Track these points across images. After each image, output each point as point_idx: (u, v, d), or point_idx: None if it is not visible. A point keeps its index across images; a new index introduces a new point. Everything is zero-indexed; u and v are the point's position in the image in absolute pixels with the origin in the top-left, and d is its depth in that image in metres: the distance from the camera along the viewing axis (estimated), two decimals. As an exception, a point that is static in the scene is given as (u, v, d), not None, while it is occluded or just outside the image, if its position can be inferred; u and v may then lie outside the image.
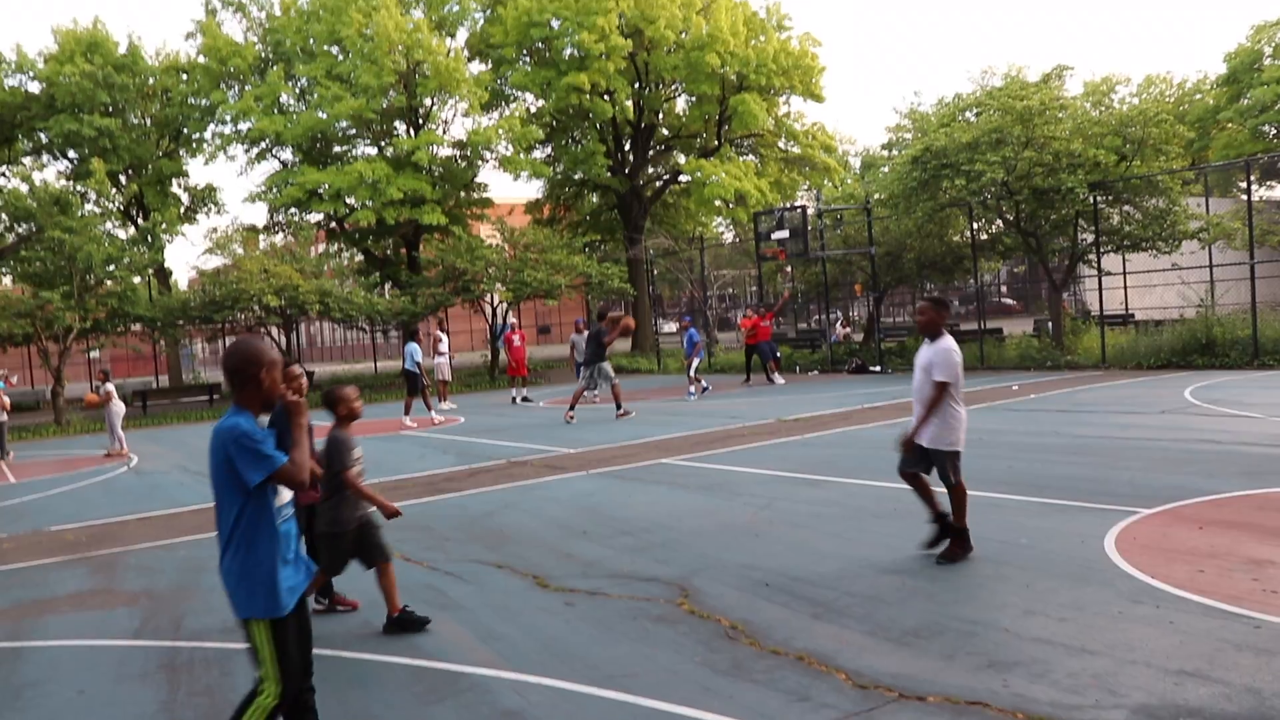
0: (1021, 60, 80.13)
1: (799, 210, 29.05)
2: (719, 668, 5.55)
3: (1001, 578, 6.86)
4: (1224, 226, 25.27)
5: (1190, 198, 27.62)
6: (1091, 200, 23.88)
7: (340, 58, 35.15)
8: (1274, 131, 50.59)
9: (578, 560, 8.23)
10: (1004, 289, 59.74)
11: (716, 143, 40.44)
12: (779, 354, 28.00)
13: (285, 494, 4.15)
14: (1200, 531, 7.70)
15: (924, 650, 5.59)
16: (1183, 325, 23.68)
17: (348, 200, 34.16)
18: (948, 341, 7.48)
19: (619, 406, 19.44)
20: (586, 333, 22.23)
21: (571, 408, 19.87)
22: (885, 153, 39.02)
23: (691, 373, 24.28)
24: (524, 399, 25.46)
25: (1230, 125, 50.09)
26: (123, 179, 37.95)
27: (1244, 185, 26.53)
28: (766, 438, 15.06)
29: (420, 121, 36.14)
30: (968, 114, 26.84)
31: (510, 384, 26.72)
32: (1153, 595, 6.24)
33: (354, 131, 35.82)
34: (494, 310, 34.78)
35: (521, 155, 36.58)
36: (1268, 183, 55.83)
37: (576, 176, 40.33)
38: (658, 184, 42.60)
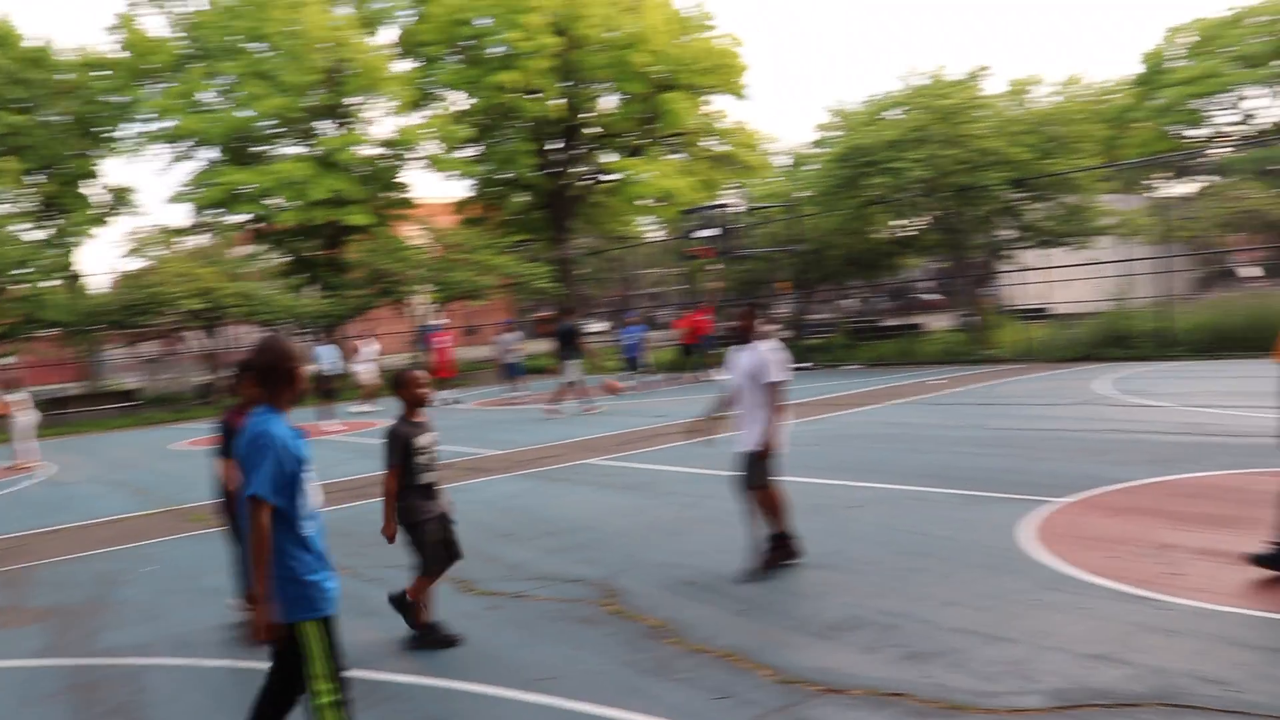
0: (946, 60, 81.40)
1: (725, 208, 29.21)
2: (644, 667, 5.56)
3: (922, 570, 6.96)
4: (1135, 222, 25.92)
5: (1105, 194, 28.24)
6: (1011, 197, 24.32)
7: (263, 54, 34.55)
8: (1183, 129, 51.92)
9: (502, 563, 8.19)
10: (927, 284, 60.52)
11: (644, 141, 40.47)
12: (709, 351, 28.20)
13: (317, 496, 4.11)
14: (1113, 519, 7.88)
15: (847, 643, 5.65)
16: (1098, 318, 24.23)
17: (272, 200, 33.59)
18: (768, 344, 7.44)
19: (556, 405, 19.65)
20: (518, 333, 22.32)
21: (557, 404, 20.14)
22: (816, 150, 39.34)
23: (621, 381, 24.24)
24: (450, 402, 25.28)
25: (1143, 124, 51.28)
26: (39, 177, 36.91)
27: (1155, 182, 27.21)
28: (684, 436, 15.07)
29: (346, 120, 35.70)
30: (892, 112, 27.20)
31: (438, 387, 26.50)
32: (1067, 582, 6.38)
33: (278, 130, 35.23)
34: (425, 311, 34.50)
35: (450, 154, 36.31)
36: (1177, 179, 57.22)
37: (504, 176, 40.09)
38: (585, 183, 42.53)
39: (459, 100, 38.62)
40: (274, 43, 33.71)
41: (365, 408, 24.68)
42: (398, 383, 6.32)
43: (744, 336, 7.46)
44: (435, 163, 36.10)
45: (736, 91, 39.90)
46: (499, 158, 38.35)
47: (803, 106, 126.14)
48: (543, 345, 41.85)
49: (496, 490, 11.79)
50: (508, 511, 10.40)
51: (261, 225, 35.73)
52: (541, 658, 5.86)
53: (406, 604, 6.32)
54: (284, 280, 35.22)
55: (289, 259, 36.94)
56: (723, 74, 38.73)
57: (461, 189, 40.64)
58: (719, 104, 41.22)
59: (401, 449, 6.13)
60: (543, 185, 39.70)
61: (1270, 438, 10.76)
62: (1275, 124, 51.29)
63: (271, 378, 4.04)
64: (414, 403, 6.25)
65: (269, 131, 35.18)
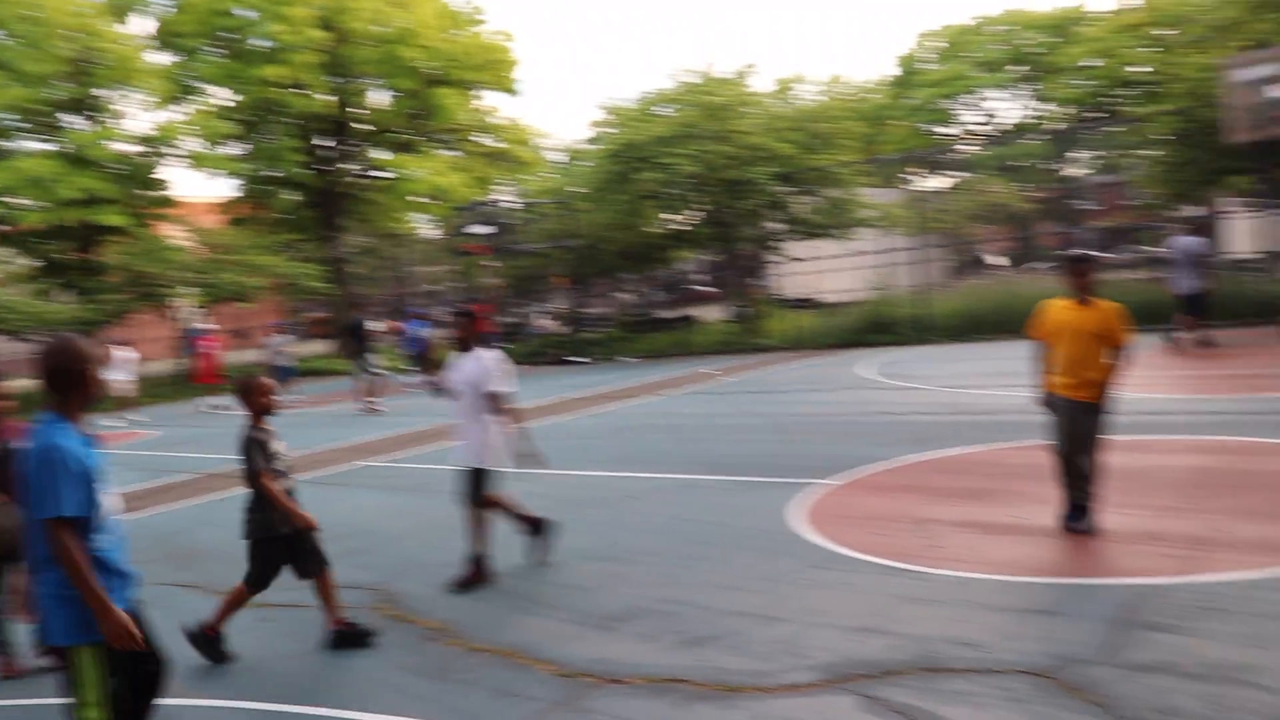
0: (715, 58, 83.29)
1: (498, 204, 29.06)
2: (423, 671, 5.46)
3: (699, 556, 7.09)
4: (893, 214, 27.26)
5: (865, 188, 29.56)
6: (777, 191, 25.14)
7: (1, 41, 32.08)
8: (934, 128, 55.00)
9: (275, 572, 7.88)
10: (700, 276, 61.95)
11: (416, 137, 39.77)
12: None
13: (113, 507, 3.80)
14: (876, 497, 8.25)
15: (626, 634, 5.69)
16: (861, 306, 25.37)
17: (16, 200, 31.23)
18: (490, 351, 7.22)
19: (362, 401, 19.73)
20: (288, 335, 21.67)
21: (370, 399, 19.79)
22: (590, 146, 39.60)
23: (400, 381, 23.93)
24: (219, 408, 24.17)
25: (898, 121, 54.00)
26: None
27: (910, 176, 28.71)
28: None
29: (97, 114, 33.58)
30: (664, 108, 27.63)
31: (203, 392, 25.29)
32: (836, 560, 6.63)
33: (19, 124, 32.79)
34: (189, 315, 32.88)
35: (213, 151, 34.67)
36: (930, 174, 60.51)
37: (272, 173, 38.61)
38: (356, 180, 41.45)
39: (222, 95, 36.96)
40: (10, 29, 31.36)
41: (122, 419, 23.28)
42: (245, 390, 6.11)
43: (465, 344, 7.22)
44: (197, 160, 34.37)
45: (508, 88, 39.72)
46: (266, 155, 36.89)
47: (576, 103, 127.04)
48: (316, 347, 40.67)
49: (268, 498, 11.33)
50: (281, 520, 10.01)
51: (4, 227, 33.26)
52: (317, 668, 5.68)
53: (206, 638, 6.08)
54: (31, 285, 32.87)
55: (38, 263, 34.54)
56: (494, 70, 38.47)
57: (227, 187, 38.92)
58: (491, 100, 40.87)
59: (261, 451, 5.96)
60: (313, 183, 38.44)
61: (1019, 414, 11.52)
62: (1014, 125, 54.98)
63: (61, 383, 3.77)
64: (261, 410, 6.05)
65: (9, 125, 32.75)
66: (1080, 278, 6.63)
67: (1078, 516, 6.69)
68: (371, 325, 22.50)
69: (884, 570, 6.28)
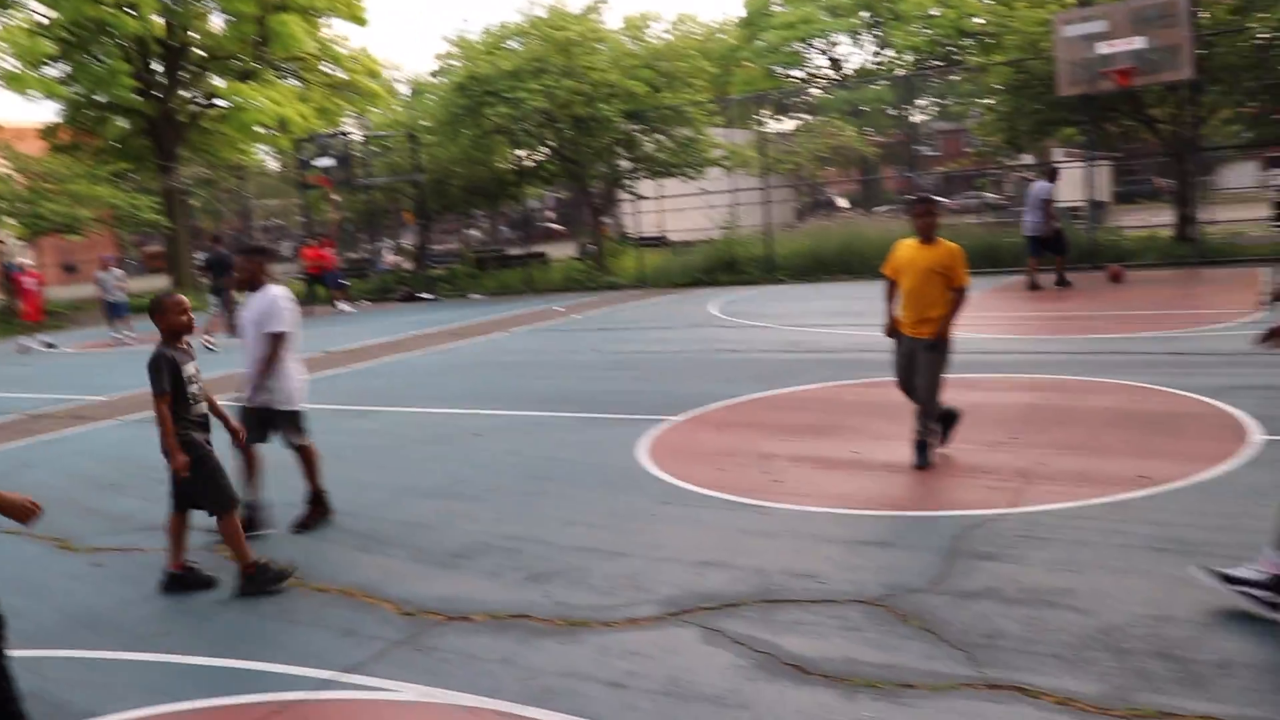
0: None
1: (343, 137, 28.21)
2: (264, 612, 5.32)
3: (543, 493, 7.08)
4: (742, 155, 27.51)
5: (714, 128, 29.70)
6: (627, 128, 25.06)
7: None
8: (783, 70, 55.56)
9: (106, 516, 7.56)
10: (550, 214, 61.57)
11: (256, 65, 38.12)
12: (345, 283, 27.48)
13: None
14: (720, 433, 8.36)
15: (469, 571, 5.65)
16: (709, 245, 25.60)
17: None
18: (274, 290, 6.78)
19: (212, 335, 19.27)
20: (120, 270, 20.87)
21: (210, 334, 19.19)
22: (435, 80, 38.73)
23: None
24: (46, 345, 23.00)
25: (748, 64, 54.35)
26: None
27: (760, 118, 28.97)
28: (312, 371, 14.54)
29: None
30: (512, 42, 27.15)
31: (24, 330, 23.92)
32: (680, 495, 6.70)
33: None
34: (8, 248, 31.05)
35: (30, 72, 32.52)
36: (779, 116, 61.22)
37: (99, 98, 36.50)
38: (193, 108, 39.58)
39: (40, 11, 34.68)
40: None
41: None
42: (155, 309, 5.76)
43: (252, 283, 6.82)
44: (12, 81, 32.24)
45: (358, 17, 38.40)
46: (92, 78, 34.83)
47: (428, 35, 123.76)
48: (153, 282, 39.02)
49: (100, 439, 10.85)
50: (113, 461, 9.62)
51: None
52: (153, 613, 5.48)
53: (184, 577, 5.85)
54: None
55: None
56: (342, -3, 37.13)
57: (49, 112, 36.69)
58: (339, 29, 39.52)
59: (170, 374, 5.63)
60: (146, 110, 36.55)
61: (858, 352, 11.83)
62: (859, 70, 55.95)
63: None
64: (175, 330, 5.74)
65: None
66: (922, 218, 6.89)
67: (920, 452, 6.95)
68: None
69: (726, 505, 6.38)
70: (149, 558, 6.37)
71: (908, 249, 7.03)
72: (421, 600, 5.27)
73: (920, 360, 6.90)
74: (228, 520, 5.73)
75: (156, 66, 37.20)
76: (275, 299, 6.70)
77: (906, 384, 7.05)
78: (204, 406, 5.89)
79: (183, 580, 5.82)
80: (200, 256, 25.10)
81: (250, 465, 6.84)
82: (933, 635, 4.33)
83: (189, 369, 5.76)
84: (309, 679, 4.45)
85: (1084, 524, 5.53)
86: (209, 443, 5.85)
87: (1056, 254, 17.25)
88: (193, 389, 5.77)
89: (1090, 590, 4.65)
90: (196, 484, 5.72)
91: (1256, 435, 6.98)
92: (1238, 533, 5.20)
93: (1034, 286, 17.08)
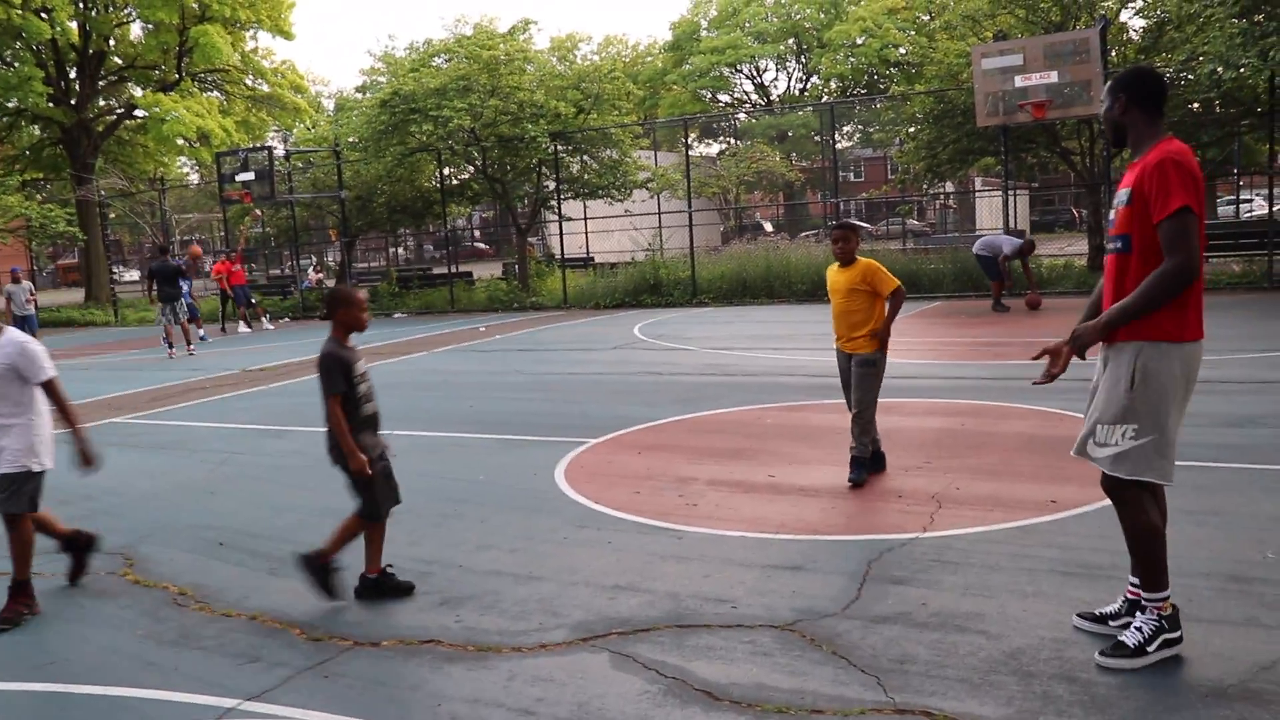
0: (494, 11, 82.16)
1: (265, 151, 27.81)
2: (164, 639, 5.16)
3: (459, 515, 7.00)
4: (668, 178, 27.65)
5: (640, 150, 29.84)
6: (553, 149, 25.06)
7: None
8: (710, 94, 56.07)
9: (3, 538, 7.29)
10: (476, 233, 61.34)
11: (177, 76, 37.48)
12: (254, 300, 27.03)
13: None
14: (639, 456, 8.34)
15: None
16: (634, 267, 25.66)
17: None
18: (13, 334, 5.66)
19: (189, 342, 19.91)
20: (25, 283, 20.46)
21: (170, 345, 19.56)
22: (359, 95, 38.42)
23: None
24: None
25: (675, 87, 54.75)
26: None
27: (685, 141, 29.14)
28: (230, 389, 14.34)
29: None
30: (438, 60, 27.05)
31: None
32: (595, 519, 6.66)
33: None
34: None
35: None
36: (705, 140, 61.71)
37: (10, 105, 35.61)
38: (111, 118, 38.78)
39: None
40: None
41: None
42: (335, 301, 5.45)
43: None
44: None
45: (284, 30, 37.97)
46: (1, 83, 34.00)
47: (356, 50, 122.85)
48: (65, 296, 38.05)
49: None
50: (10, 479, 9.30)
51: None
52: (47, 641, 5.28)
53: (325, 568, 5.53)
54: None
55: None
56: (267, 9, 36.66)
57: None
58: (265, 43, 39.04)
59: (343, 374, 5.34)
60: (59, 118, 35.73)
61: (779, 376, 11.90)
62: (781, 96, 56.66)
63: None
64: (350, 326, 5.43)
65: None
66: (837, 244, 7.13)
67: (855, 468, 7.10)
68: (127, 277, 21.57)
69: (642, 529, 6.35)
70: (48, 583, 6.16)
71: (832, 273, 7.29)
72: (330, 625, 5.16)
73: (855, 374, 7.12)
74: (355, 521, 5.58)
75: (71, 74, 36.40)
76: (22, 343, 5.63)
77: (849, 397, 7.26)
78: (374, 406, 5.63)
79: (378, 586, 5.57)
80: (142, 269, 24.81)
81: (25, 541, 5.78)
82: (843, 660, 4.33)
83: (359, 367, 5.50)
84: (209, 707, 4.32)
85: (994, 548, 5.59)
86: (378, 445, 5.63)
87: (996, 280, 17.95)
88: (362, 388, 5.50)
89: (998, 614, 4.70)
90: (358, 485, 5.53)
91: (1161, 461, 7.12)
92: (1141, 557, 5.30)
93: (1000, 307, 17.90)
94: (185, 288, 23.93)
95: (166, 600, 5.73)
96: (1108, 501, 6.23)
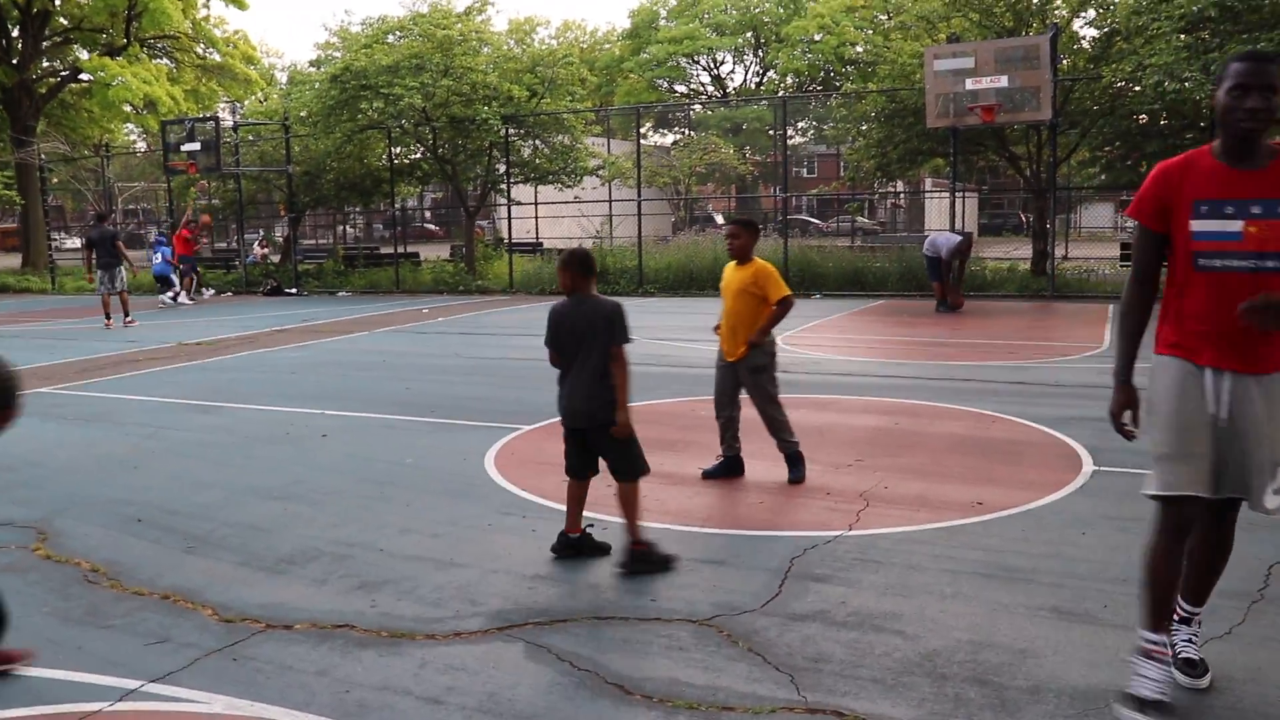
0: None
1: (212, 122, 27.32)
2: (71, 616, 5.02)
3: (384, 498, 6.90)
4: (619, 166, 27.57)
5: (593, 137, 29.72)
6: (504, 132, 24.87)
7: None
8: (666, 84, 55.98)
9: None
10: (426, 214, 60.85)
11: (125, 41, 36.68)
12: (197, 271, 26.55)
13: None
14: (571, 445, 8.27)
15: (296, 577, 5.45)
16: (582, 255, 25.53)
17: None
18: None
19: (126, 314, 19.25)
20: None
21: (108, 315, 19.08)
22: (313, 70, 37.93)
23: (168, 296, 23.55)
24: None
25: (632, 75, 54.61)
26: None
27: (638, 130, 29.07)
28: (164, 363, 14.07)
29: None
30: (392, 37, 26.72)
31: None
32: (521, 506, 6.60)
33: None
34: None
35: None
36: (659, 130, 61.65)
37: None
38: (54, 80, 37.91)
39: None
40: None
41: None
42: (582, 260, 5.54)
43: None
44: None
45: (238, -1, 37.31)
46: (-63, 41, 33.13)
47: (312, 23, 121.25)
48: (1, 261, 37.26)
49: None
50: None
51: None
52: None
53: (647, 553, 5.40)
54: None
55: None
56: (221, -24, 36.01)
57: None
58: (218, 11, 38.37)
59: (553, 331, 5.57)
60: (0, 78, 34.87)
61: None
62: (738, 88, 56.73)
63: None
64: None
65: None
66: (730, 240, 6.99)
67: (716, 467, 7.13)
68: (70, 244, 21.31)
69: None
70: (-48, 554, 5.99)
71: (727, 271, 7.11)
72: (243, 607, 5.05)
73: (749, 383, 6.94)
74: (632, 488, 5.46)
75: (15, 32, 35.54)
76: None
77: (719, 402, 7.11)
78: None
79: (642, 558, 5.41)
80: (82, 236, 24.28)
81: None
82: (758, 657, 4.31)
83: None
84: (110, 689, 4.20)
85: (917, 548, 5.60)
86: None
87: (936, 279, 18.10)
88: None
89: (917, 615, 4.70)
90: (616, 445, 5.46)
91: (1088, 466, 7.20)
92: (1060, 560, 5.35)
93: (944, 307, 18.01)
94: (161, 257, 23.71)
95: (77, 577, 5.58)
96: (1034, 505, 6.32)
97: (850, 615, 4.72)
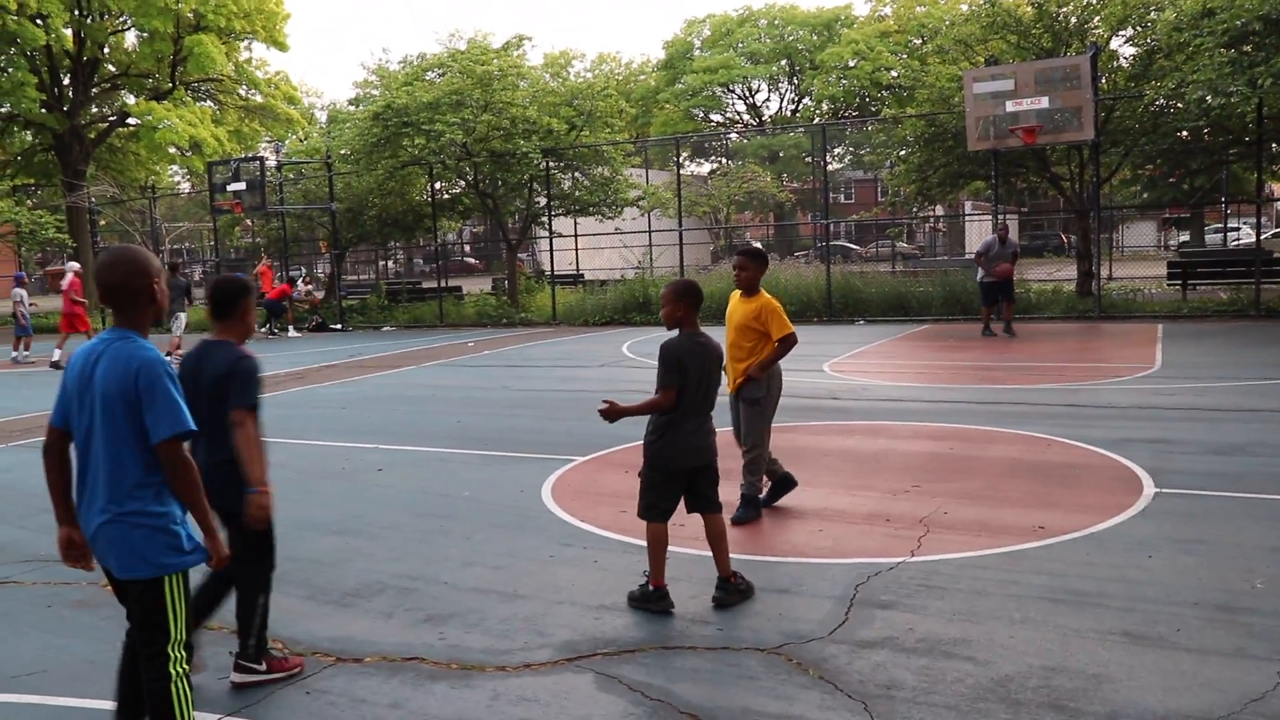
0: (488, 26, 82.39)
1: (256, 161, 27.73)
2: (142, 651, 5.09)
3: (444, 531, 6.94)
4: (659, 196, 27.68)
5: (632, 168, 29.88)
6: (544, 165, 25.08)
7: None
8: (702, 114, 56.23)
9: (-19, 544, 7.23)
10: (466, 248, 61.33)
11: (170, 85, 37.40)
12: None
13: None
14: (625, 475, 8.27)
15: (363, 610, 5.49)
16: (624, 285, 25.65)
17: None
18: None
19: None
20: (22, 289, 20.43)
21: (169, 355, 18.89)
22: (352, 108, 38.40)
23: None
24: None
25: (668, 106, 54.90)
26: None
27: (677, 160, 29.22)
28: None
29: None
30: (431, 74, 27.07)
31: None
32: (581, 537, 6.62)
33: None
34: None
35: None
36: (696, 159, 61.84)
37: (3, 110, 35.49)
38: (103, 125, 38.68)
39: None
40: None
41: None
42: (689, 292, 5.41)
43: None
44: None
45: (279, 41, 37.95)
46: (-7, 88, 33.85)
47: (350, 62, 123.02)
48: (54, 302, 37.86)
49: (-22, 464, 10.44)
50: (-10, 487, 9.24)
51: None
52: (25, 651, 5.20)
53: (732, 584, 5.39)
54: None
55: None
56: (262, 20, 36.62)
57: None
58: (259, 53, 39.06)
59: (679, 369, 5.28)
60: (52, 124, 35.61)
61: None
62: (773, 116, 56.86)
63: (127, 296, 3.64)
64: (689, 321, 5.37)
65: None
66: (738, 271, 6.79)
67: (769, 494, 7.04)
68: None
69: (627, 548, 6.31)
70: (29, 592, 6.11)
71: (732, 301, 6.96)
72: (312, 640, 5.10)
73: (743, 413, 6.85)
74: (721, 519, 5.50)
75: (65, 80, 36.33)
76: None
77: (737, 434, 6.99)
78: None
79: (733, 589, 5.38)
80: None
81: None
82: (830, 685, 4.30)
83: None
84: (187, 723, 4.25)
85: (981, 574, 5.57)
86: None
87: (1007, 301, 17.85)
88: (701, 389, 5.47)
89: (986, 640, 4.68)
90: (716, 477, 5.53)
91: (1148, 488, 7.13)
92: (1127, 583, 5.29)
93: (988, 333, 17.71)
94: None
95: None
96: (1096, 528, 6.27)
97: (919, 641, 4.70)
